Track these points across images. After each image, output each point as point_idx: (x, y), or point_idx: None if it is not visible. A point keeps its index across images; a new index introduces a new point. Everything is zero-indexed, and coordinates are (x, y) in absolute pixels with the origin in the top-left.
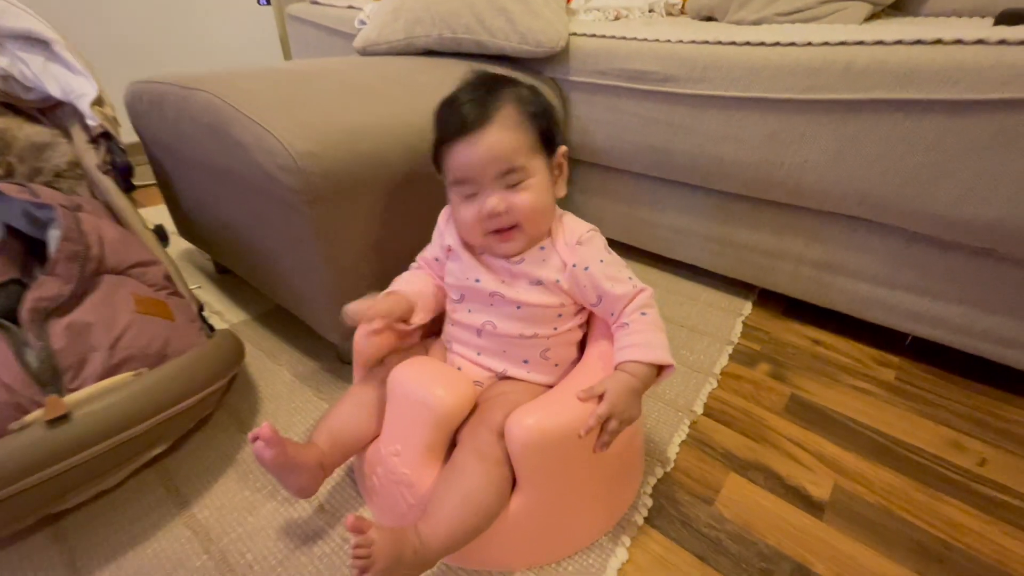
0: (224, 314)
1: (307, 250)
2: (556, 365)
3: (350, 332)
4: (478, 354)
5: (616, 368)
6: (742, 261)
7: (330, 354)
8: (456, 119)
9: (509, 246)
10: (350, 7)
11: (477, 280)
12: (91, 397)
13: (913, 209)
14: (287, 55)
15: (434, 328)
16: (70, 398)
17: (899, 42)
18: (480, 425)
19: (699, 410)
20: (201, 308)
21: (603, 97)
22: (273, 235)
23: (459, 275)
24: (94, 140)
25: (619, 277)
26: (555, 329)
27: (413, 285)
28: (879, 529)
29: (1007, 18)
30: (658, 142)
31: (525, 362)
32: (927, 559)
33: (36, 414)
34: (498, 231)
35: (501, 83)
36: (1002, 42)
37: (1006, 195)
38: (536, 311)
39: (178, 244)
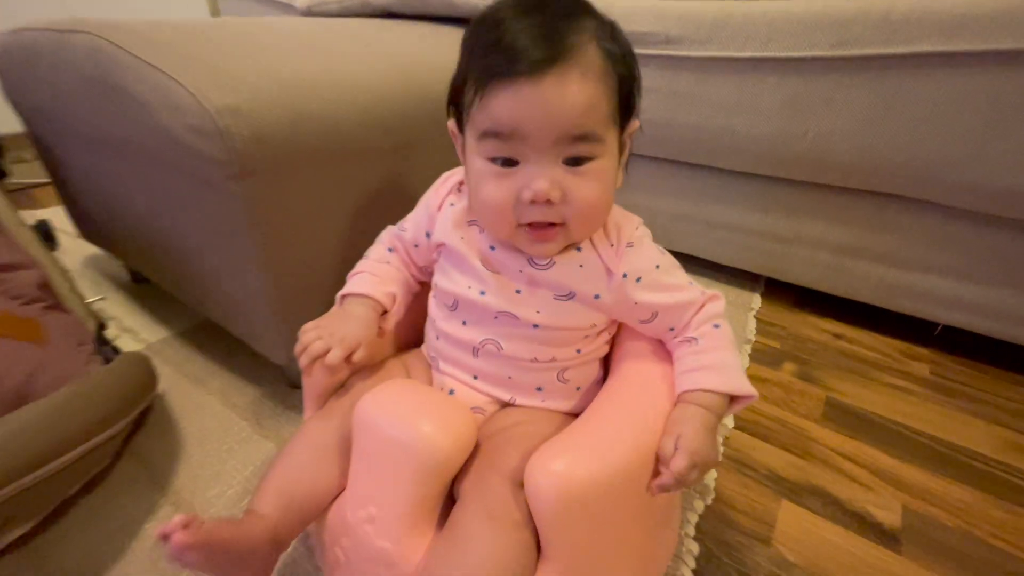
0: (139, 332)
1: (237, 243)
2: (577, 388)
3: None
4: (474, 377)
5: (682, 398)
6: (751, 249)
7: (274, 376)
8: (512, 46)
9: (544, 248)
10: None
11: (482, 293)
12: None
13: (960, 180)
14: None
15: (413, 334)
16: None
17: None
18: (489, 472)
19: (730, 423)
20: (102, 326)
21: None
22: (191, 226)
23: (455, 281)
24: None
25: (681, 286)
26: (578, 352)
27: (386, 284)
28: (969, 561)
29: None
30: (659, 116)
31: (538, 389)
32: None
33: None
34: (534, 223)
35: (577, 6)
36: None
37: None
38: (559, 334)
39: (84, 249)
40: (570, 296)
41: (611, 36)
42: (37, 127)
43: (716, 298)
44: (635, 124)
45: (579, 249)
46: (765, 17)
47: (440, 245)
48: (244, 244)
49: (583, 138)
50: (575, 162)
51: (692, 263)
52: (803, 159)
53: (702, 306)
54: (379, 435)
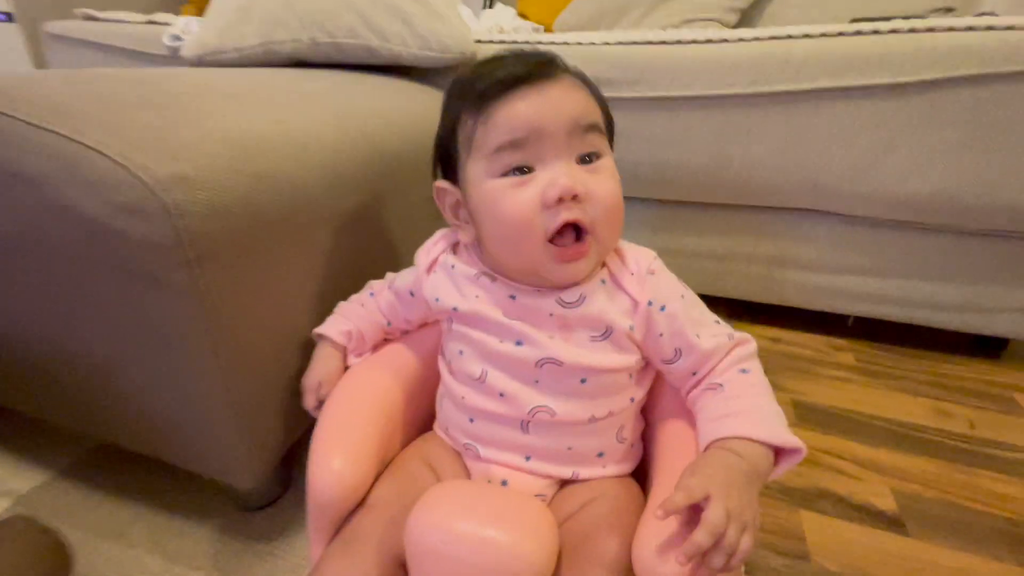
0: (4, 480)
1: (187, 347)
2: (632, 446)
3: (271, 465)
4: (527, 459)
5: (710, 448)
6: (690, 270)
7: (219, 504)
8: (513, 70)
9: (575, 268)
10: (151, 22)
11: (519, 343)
12: None
13: (859, 192)
14: None
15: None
16: None
17: (823, 34)
18: (588, 565)
19: None
20: None
21: None
22: (106, 335)
23: (481, 343)
24: None
25: (705, 322)
26: (632, 400)
27: (348, 323)
28: (959, 528)
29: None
30: None
31: (600, 455)
32: (1012, 544)
33: None
34: (560, 241)
35: (548, 53)
36: (912, 30)
37: (941, 166)
38: (608, 379)
39: None
40: (607, 334)
41: (585, 78)
42: None
43: (746, 342)
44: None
45: (603, 281)
46: (687, 60)
47: (452, 312)
48: (192, 347)
49: (592, 127)
50: (588, 159)
51: None
52: (730, 184)
53: (729, 351)
54: (452, 559)
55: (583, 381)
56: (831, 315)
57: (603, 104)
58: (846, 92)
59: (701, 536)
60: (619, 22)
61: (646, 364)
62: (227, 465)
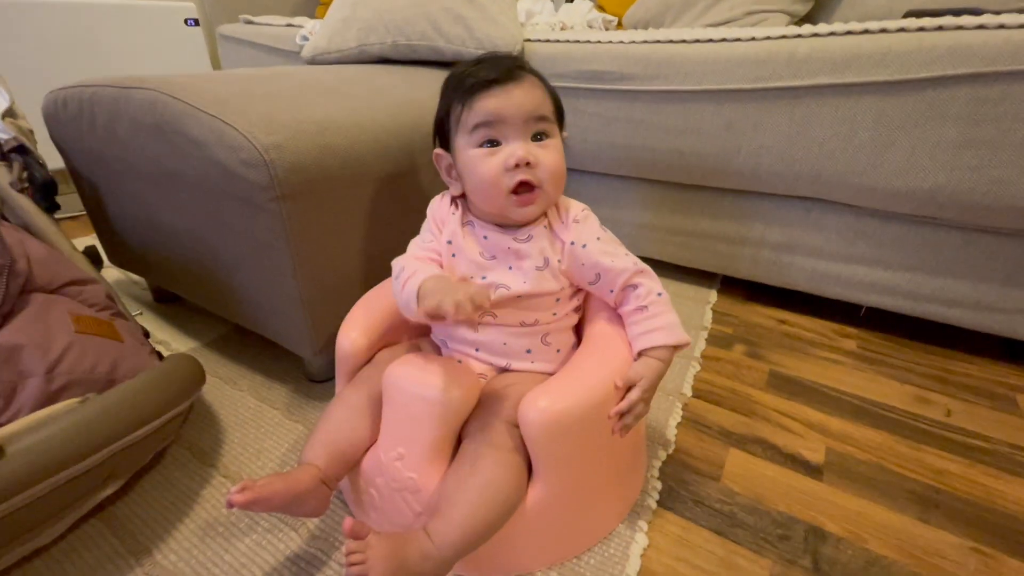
0: (170, 343)
1: (275, 254)
2: (558, 351)
3: (323, 345)
4: (476, 350)
5: (643, 354)
6: (705, 251)
7: (296, 375)
8: (486, 73)
9: (529, 210)
10: (289, 25)
11: (484, 277)
12: (26, 430)
13: (862, 184)
14: None
15: (422, 326)
16: (0, 432)
17: (832, 33)
18: (491, 416)
19: (689, 392)
20: (147, 334)
21: (563, 99)
22: (231, 243)
23: (461, 270)
24: (5, 156)
25: (617, 253)
26: (554, 315)
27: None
28: (876, 484)
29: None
30: (619, 139)
31: (528, 352)
32: (925, 505)
33: None
34: (518, 192)
35: (518, 59)
36: (920, 29)
37: (941, 162)
38: (536, 300)
39: (107, 275)
40: (545, 265)
41: (542, 78)
42: (81, 164)
43: (648, 272)
44: (564, 134)
45: (545, 227)
46: (700, 57)
47: (449, 242)
48: (280, 254)
49: (542, 118)
50: (538, 137)
51: (657, 266)
52: (740, 172)
53: (635, 274)
54: (407, 393)
55: (518, 297)
56: (844, 304)
57: (555, 97)
58: (846, 88)
59: (624, 404)
60: (684, 15)
61: (573, 292)
62: (298, 339)
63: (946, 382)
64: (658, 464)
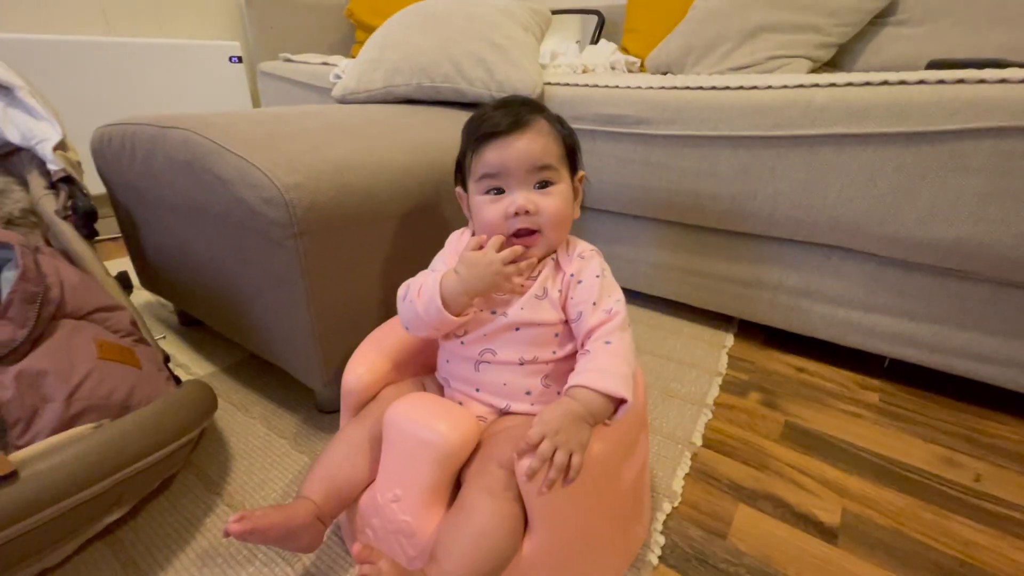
0: (189, 366)
1: (290, 288)
2: (558, 394)
3: (333, 377)
4: (477, 390)
5: (562, 394)
6: (722, 293)
7: (307, 405)
8: (493, 122)
9: (530, 252)
10: (324, 63)
11: (493, 312)
12: (42, 453)
13: (882, 233)
14: None
15: (428, 364)
16: (17, 455)
17: (850, 84)
18: (488, 461)
19: (698, 441)
20: (167, 359)
21: (580, 141)
22: (251, 275)
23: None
24: (53, 185)
25: (602, 300)
26: (554, 353)
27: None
28: (896, 552)
29: (935, 67)
30: (635, 180)
31: (527, 393)
32: None
33: None
34: (520, 235)
35: (533, 104)
36: (940, 82)
37: (965, 213)
38: (536, 331)
39: (139, 297)
40: (544, 295)
41: (557, 119)
42: (121, 195)
43: (615, 317)
44: (581, 174)
45: (552, 259)
46: (716, 104)
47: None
48: (295, 288)
49: (545, 167)
50: (542, 185)
51: (672, 307)
52: (757, 216)
53: (601, 324)
54: (405, 433)
55: (517, 329)
56: (867, 355)
57: (567, 138)
58: (865, 138)
59: (534, 462)
60: (706, 58)
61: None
62: (307, 370)
63: (976, 443)
64: (662, 517)
